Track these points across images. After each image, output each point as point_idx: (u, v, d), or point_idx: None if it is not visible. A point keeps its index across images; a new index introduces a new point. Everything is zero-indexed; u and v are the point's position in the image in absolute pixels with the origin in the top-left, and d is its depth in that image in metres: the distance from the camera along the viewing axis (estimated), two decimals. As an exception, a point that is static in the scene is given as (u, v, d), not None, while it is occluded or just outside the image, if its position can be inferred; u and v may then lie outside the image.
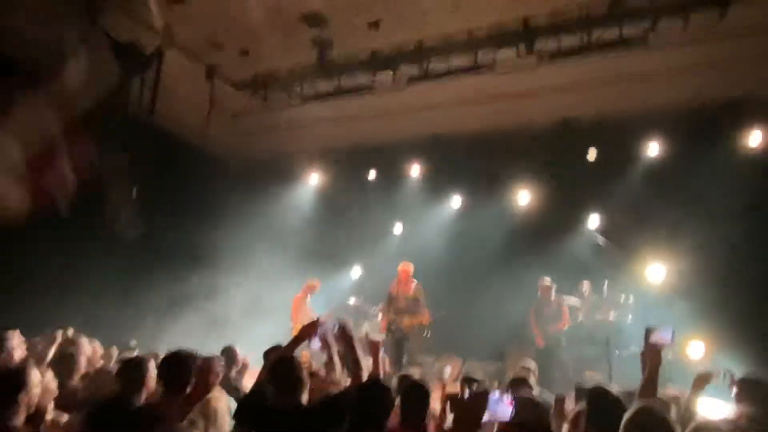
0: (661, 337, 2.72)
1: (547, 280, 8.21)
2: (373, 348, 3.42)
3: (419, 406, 3.06)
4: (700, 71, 7.76)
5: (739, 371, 3.57)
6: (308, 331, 3.08)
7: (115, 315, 7.67)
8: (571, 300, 8.66)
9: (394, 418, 3.15)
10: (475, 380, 4.17)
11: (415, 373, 6.57)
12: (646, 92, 8.12)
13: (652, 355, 2.73)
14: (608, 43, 6.99)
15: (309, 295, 8.89)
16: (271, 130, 10.89)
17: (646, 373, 2.74)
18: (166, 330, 8.02)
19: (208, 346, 5.76)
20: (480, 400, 1.75)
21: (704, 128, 8.22)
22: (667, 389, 5.49)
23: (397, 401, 3.74)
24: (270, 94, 9.73)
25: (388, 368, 5.08)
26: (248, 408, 2.76)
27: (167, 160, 9.63)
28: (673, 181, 8.38)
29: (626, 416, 2.07)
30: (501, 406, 1.80)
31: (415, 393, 3.11)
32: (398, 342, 7.85)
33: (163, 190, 9.30)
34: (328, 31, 8.38)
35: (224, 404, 3.38)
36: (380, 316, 8.95)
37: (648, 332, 2.74)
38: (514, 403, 1.82)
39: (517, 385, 2.72)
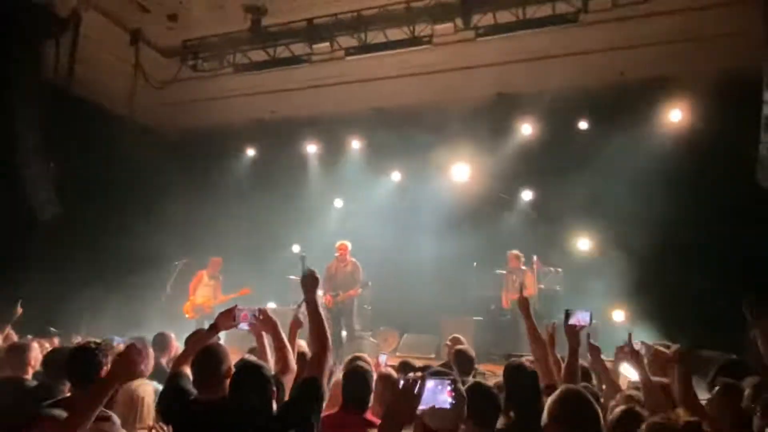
0: (579, 319, 2.84)
1: (515, 252, 8.36)
2: (292, 328, 3.38)
3: (362, 389, 3.05)
4: (626, 49, 8.03)
5: (652, 340, 3.85)
6: (225, 318, 2.97)
7: (33, 300, 7.19)
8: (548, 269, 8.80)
9: (335, 404, 3.14)
10: (411, 367, 4.23)
11: (353, 348, 6.64)
12: (576, 69, 8.33)
13: (571, 337, 2.85)
14: (541, 20, 7.07)
15: (212, 273, 8.65)
16: (202, 101, 10.41)
17: (568, 354, 2.87)
18: (91, 315, 7.63)
19: (138, 332, 5.56)
20: (413, 390, 1.70)
21: (630, 104, 8.57)
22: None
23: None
24: (201, 62, 9.24)
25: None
26: (168, 400, 2.66)
27: (89, 131, 9.00)
28: (601, 155, 8.71)
29: (551, 399, 2.14)
30: (439, 395, 1.75)
31: (357, 377, 3.10)
32: (336, 318, 7.86)
33: (86, 164, 8.73)
34: (262, -3, 8.04)
35: (151, 394, 3.24)
36: (320, 293, 8.91)
37: (567, 315, 2.86)
38: (453, 392, 1.76)
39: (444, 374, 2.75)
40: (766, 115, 6.13)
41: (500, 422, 2.83)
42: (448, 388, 1.74)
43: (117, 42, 9.01)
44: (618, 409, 2.39)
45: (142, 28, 9.01)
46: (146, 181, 9.67)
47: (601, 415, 2.10)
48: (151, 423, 3.10)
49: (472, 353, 4.39)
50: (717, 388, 2.86)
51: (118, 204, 9.20)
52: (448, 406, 1.73)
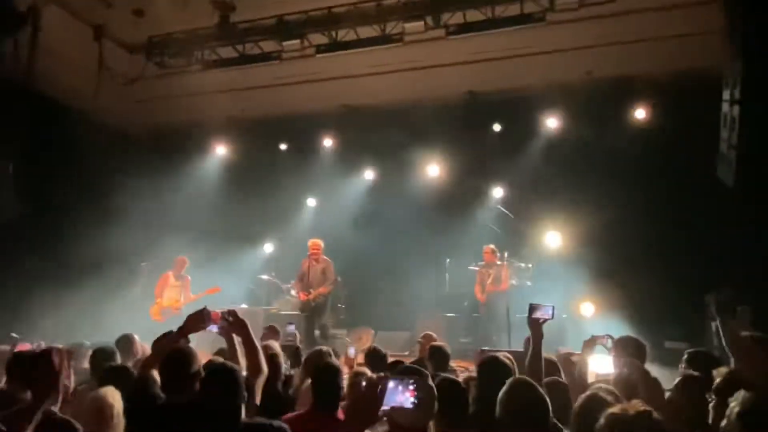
0: (542, 313, 2.95)
1: (491, 247, 8.45)
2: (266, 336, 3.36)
3: (331, 389, 3.03)
4: (592, 48, 8.20)
5: (617, 333, 3.96)
6: (194, 321, 2.91)
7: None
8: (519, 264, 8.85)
9: (306, 402, 3.11)
10: (380, 354, 4.24)
11: (326, 346, 6.60)
12: (545, 68, 8.47)
13: (534, 330, 2.93)
14: (510, 19, 7.16)
15: (177, 273, 8.51)
16: (170, 98, 10.19)
17: (531, 345, 2.95)
18: (55, 320, 7.40)
19: (103, 336, 5.41)
20: (374, 391, 1.70)
21: (597, 103, 8.75)
22: (560, 349, 5.97)
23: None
24: (167, 59, 9.04)
25: (297, 341, 5.02)
26: (135, 404, 2.60)
27: (51, 129, 8.74)
28: (570, 153, 8.90)
29: (502, 391, 2.19)
30: (400, 395, 1.75)
31: (325, 376, 3.08)
32: (309, 317, 7.83)
33: (48, 163, 8.46)
34: (230, -8, 7.93)
35: (120, 401, 3.15)
36: (293, 292, 8.86)
37: (531, 309, 2.96)
38: (415, 390, 1.77)
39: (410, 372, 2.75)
40: (726, 113, 6.34)
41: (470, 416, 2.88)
42: (410, 387, 1.74)
43: (80, 37, 8.76)
44: (583, 395, 2.44)
45: (106, 24, 8.78)
46: (112, 180, 9.43)
47: (549, 403, 2.16)
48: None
49: (448, 350, 4.44)
50: (678, 379, 2.95)
51: (82, 204, 8.93)
52: (410, 406, 1.73)
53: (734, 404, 2.08)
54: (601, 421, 1.91)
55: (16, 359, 2.65)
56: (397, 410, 1.76)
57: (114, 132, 10.34)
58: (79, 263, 8.26)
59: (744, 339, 2.93)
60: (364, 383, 1.74)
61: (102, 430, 2.91)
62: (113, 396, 3.10)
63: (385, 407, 1.72)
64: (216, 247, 9.72)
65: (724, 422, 2.09)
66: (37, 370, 2.38)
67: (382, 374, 1.78)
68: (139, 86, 9.42)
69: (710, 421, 2.66)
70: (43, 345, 5.00)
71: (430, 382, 2.15)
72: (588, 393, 2.50)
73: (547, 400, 2.18)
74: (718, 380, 2.85)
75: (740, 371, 2.84)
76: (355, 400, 1.72)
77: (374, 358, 4.32)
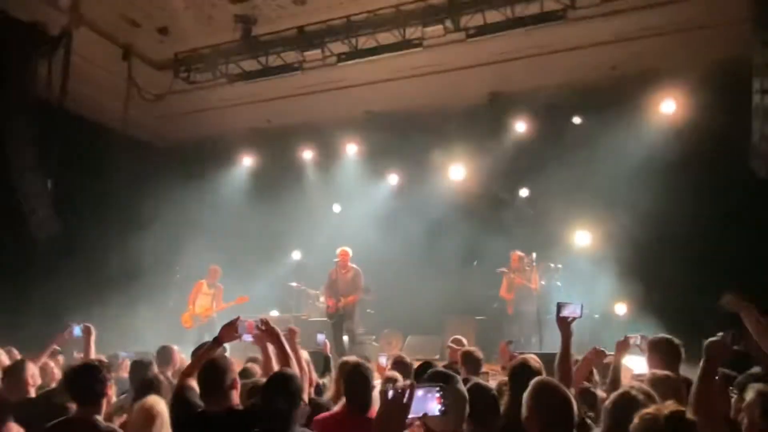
0: (571, 311, 2.90)
1: (518, 253, 8.38)
2: (290, 337, 3.41)
3: (362, 390, 3.08)
4: (615, 43, 8.08)
5: (651, 333, 3.89)
6: (229, 330, 2.99)
7: (33, 317, 7.18)
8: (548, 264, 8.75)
9: (340, 405, 3.17)
10: (405, 363, 4.26)
11: (356, 353, 6.65)
12: (568, 65, 8.38)
13: (563, 328, 2.90)
14: (530, 18, 7.12)
15: (211, 281, 8.63)
16: (197, 112, 10.45)
17: (561, 345, 2.92)
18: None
19: (140, 346, 5.56)
20: (402, 399, 1.72)
21: (623, 98, 8.61)
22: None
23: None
24: (193, 74, 9.27)
25: (327, 350, 5.07)
26: (176, 413, 2.68)
27: (85, 148, 9.04)
28: (596, 150, 8.74)
29: (527, 392, 2.19)
30: (428, 403, 1.77)
31: (357, 377, 3.13)
32: (337, 324, 7.87)
33: (83, 181, 8.75)
34: (252, 7, 8.07)
35: (166, 411, 3.21)
36: (322, 299, 8.94)
37: (559, 307, 2.92)
38: (442, 397, 1.78)
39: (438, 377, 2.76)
40: (757, 104, 6.17)
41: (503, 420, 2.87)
42: (437, 395, 1.75)
43: (109, 57, 9.05)
44: (615, 393, 2.42)
45: (134, 43, 9.04)
46: (143, 193, 9.69)
47: (574, 403, 2.15)
48: None
49: (480, 354, 4.43)
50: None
51: (115, 218, 9.21)
52: (438, 413, 1.75)
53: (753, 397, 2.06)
54: (635, 421, 1.89)
55: (71, 372, 2.78)
56: (426, 418, 1.79)
57: (143, 146, 10.65)
58: (109, 275, 8.51)
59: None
60: (391, 391, 1.76)
61: None
62: (160, 405, 3.16)
63: (413, 415, 1.74)
64: (245, 255, 9.90)
65: (743, 417, 2.06)
66: (87, 381, 2.49)
67: (409, 382, 1.80)
68: (167, 102, 9.68)
69: (732, 414, 2.60)
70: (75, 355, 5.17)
71: (461, 386, 2.15)
72: (620, 391, 2.47)
73: (572, 399, 2.17)
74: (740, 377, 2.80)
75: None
76: (383, 407, 1.74)
77: (400, 365, 4.34)
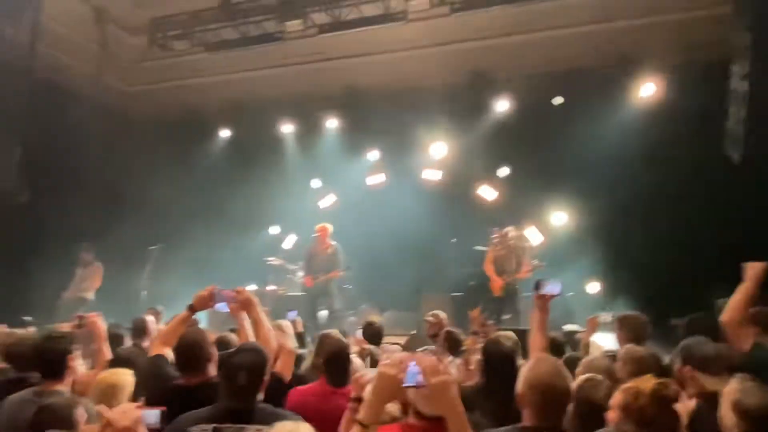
0: (550, 289, 2.91)
1: (508, 228, 7.94)
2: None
3: (341, 364, 3.11)
4: (599, 24, 8.09)
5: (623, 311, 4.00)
6: (202, 299, 2.93)
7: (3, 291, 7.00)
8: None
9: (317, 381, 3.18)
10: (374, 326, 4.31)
11: (334, 328, 6.67)
12: (551, 45, 8.37)
13: (541, 306, 2.93)
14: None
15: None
16: (174, 81, 10.17)
17: (537, 322, 2.96)
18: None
19: (115, 318, 5.47)
20: (396, 370, 1.74)
21: (604, 80, 8.65)
22: (567, 326, 6.05)
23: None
24: (170, 41, 8.99)
25: (299, 327, 5.08)
26: (150, 384, 2.65)
27: (56, 113, 8.72)
28: (576, 131, 8.80)
29: (527, 367, 2.23)
30: (419, 375, 1.79)
31: (336, 351, 3.15)
32: (314, 298, 7.88)
33: (52, 147, 8.47)
34: (231, -28, 7.84)
35: (130, 383, 3.14)
36: (300, 273, 8.91)
37: (538, 285, 2.93)
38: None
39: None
40: (734, 89, 6.26)
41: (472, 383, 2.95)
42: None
43: (81, 21, 8.71)
44: (580, 378, 2.48)
45: (108, 6, 8.72)
46: (117, 164, 9.46)
47: (570, 385, 2.19)
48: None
49: (461, 336, 4.51)
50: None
51: (86, 187, 8.96)
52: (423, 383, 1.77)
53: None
54: (618, 396, 1.95)
55: (43, 343, 2.72)
56: (421, 393, 1.81)
57: (117, 116, 10.32)
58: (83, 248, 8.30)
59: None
60: (387, 361, 1.78)
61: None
62: (123, 378, 3.08)
63: (405, 384, 1.76)
64: (223, 229, 9.77)
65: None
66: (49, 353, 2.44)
67: (404, 354, 1.81)
68: (142, 71, 9.40)
69: None
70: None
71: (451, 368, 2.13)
72: (585, 376, 2.56)
73: (570, 383, 2.20)
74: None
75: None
76: (378, 375, 1.77)
77: (370, 330, 4.43)
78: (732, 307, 3.03)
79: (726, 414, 2.13)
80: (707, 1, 7.24)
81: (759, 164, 6.06)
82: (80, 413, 2.14)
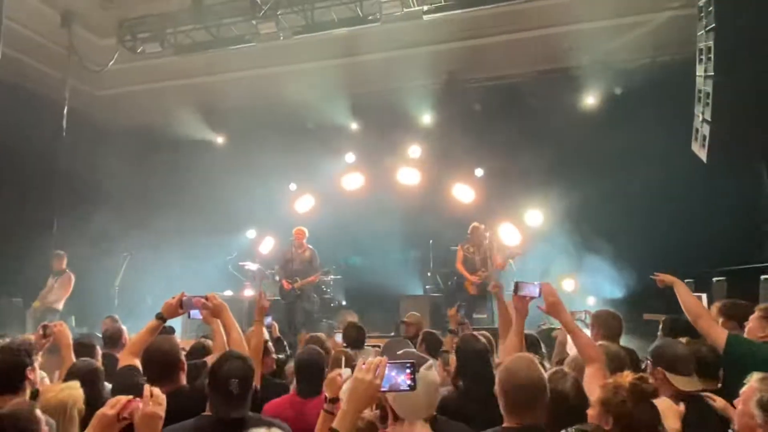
0: (528, 291, 2.88)
1: (476, 224, 7.86)
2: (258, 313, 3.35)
3: (314, 372, 3.06)
4: (570, 25, 8.21)
5: (597, 308, 4.06)
6: (172, 306, 2.86)
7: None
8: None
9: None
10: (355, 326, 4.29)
11: (312, 332, 6.62)
12: (523, 46, 8.47)
13: (519, 308, 2.92)
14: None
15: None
16: (144, 84, 9.98)
17: (515, 323, 2.95)
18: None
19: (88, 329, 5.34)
20: (375, 370, 1.72)
21: (575, 79, 8.84)
22: (544, 324, 6.10)
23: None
24: (139, 43, 8.80)
25: (276, 332, 4.99)
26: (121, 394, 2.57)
27: (21, 116, 8.46)
28: (551, 133, 8.93)
29: (503, 367, 2.24)
30: (398, 378, 1.77)
31: (310, 361, 3.12)
32: (291, 303, 7.80)
33: (18, 154, 8.23)
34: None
35: (80, 401, 2.87)
36: (277, 278, 8.80)
37: (517, 287, 2.90)
38: (412, 374, 1.78)
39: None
40: (700, 89, 6.41)
41: (448, 389, 2.95)
42: (407, 371, 1.76)
43: (47, 23, 8.48)
44: (551, 371, 2.52)
45: (74, 8, 8.51)
46: (87, 170, 9.23)
47: (547, 382, 2.21)
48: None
49: (440, 336, 4.51)
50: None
51: (60, 192, 8.74)
52: (406, 388, 1.75)
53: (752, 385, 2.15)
54: (598, 392, 1.97)
55: None
56: (401, 396, 1.80)
57: (87, 121, 10.07)
58: (47, 259, 8.07)
59: None
60: (363, 365, 1.75)
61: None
62: (71, 395, 2.78)
63: (383, 388, 1.74)
64: (198, 235, 9.63)
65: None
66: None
67: (382, 357, 1.79)
68: (112, 73, 9.18)
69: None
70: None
71: (433, 371, 2.07)
72: (554, 369, 2.59)
73: (546, 380, 2.21)
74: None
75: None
76: (355, 378, 1.74)
77: (351, 334, 4.41)
78: (688, 309, 3.26)
79: (747, 412, 2.11)
80: (674, 3, 7.43)
81: (724, 163, 6.22)
82: (43, 419, 2.04)
